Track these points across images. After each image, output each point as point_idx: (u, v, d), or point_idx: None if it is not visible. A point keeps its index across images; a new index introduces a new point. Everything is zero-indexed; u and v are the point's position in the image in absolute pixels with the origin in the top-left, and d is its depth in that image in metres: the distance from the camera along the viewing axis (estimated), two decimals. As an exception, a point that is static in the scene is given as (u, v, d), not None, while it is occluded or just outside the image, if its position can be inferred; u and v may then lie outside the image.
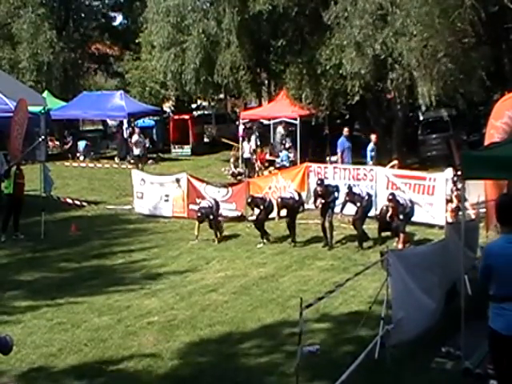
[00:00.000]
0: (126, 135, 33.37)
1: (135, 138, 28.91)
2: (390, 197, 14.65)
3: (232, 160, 26.52)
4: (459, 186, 14.19)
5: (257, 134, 28.38)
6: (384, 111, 26.99)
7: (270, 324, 10.55)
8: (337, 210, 15.87)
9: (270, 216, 16.39)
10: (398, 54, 21.11)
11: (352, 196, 15.77)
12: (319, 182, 15.79)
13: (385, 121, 26.56)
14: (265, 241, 15.94)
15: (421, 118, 31.07)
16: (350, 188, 16.03)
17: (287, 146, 27.92)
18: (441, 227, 15.38)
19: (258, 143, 27.79)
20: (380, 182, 17.95)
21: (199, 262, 14.56)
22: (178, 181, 19.28)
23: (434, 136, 27.89)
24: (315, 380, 8.42)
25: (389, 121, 26.46)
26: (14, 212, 16.84)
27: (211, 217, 16.26)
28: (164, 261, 14.80)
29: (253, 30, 29.70)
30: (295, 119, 28.22)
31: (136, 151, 28.59)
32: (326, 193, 15.45)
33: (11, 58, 43.82)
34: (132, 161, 30.16)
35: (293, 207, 15.89)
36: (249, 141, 27.13)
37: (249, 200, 16.46)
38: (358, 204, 15.68)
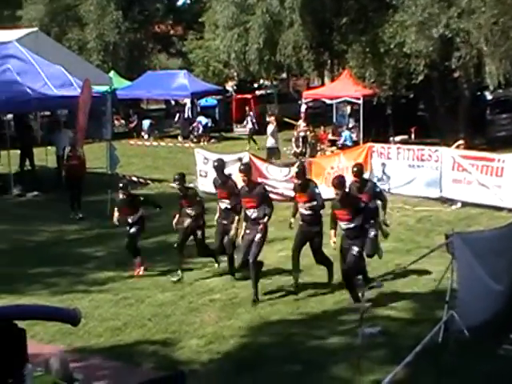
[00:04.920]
0: (189, 114, 33.55)
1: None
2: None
3: (294, 139, 26.30)
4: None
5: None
6: (450, 90, 26.40)
7: (332, 305, 10.41)
8: (399, 191, 15.54)
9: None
10: (465, 32, 20.59)
11: None
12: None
13: (450, 100, 26.00)
14: None
15: (489, 97, 30.32)
16: None
17: (350, 125, 27.60)
18: (510, 210, 14.99)
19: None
20: (445, 163, 17.41)
21: (261, 241, 14.41)
22: (240, 160, 19.18)
23: (503, 116, 27.17)
24: (377, 361, 8.28)
25: (455, 100, 25.88)
26: (72, 192, 17.07)
27: None
28: (224, 240, 14.73)
29: (316, 8, 29.42)
30: (358, 99, 27.77)
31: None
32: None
33: (79, 39, 44.60)
34: (195, 139, 30.38)
35: None
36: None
37: None
38: None
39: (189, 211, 12.28)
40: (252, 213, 10.96)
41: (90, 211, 16.92)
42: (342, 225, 10.27)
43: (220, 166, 12.65)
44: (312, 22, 29.93)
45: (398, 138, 25.22)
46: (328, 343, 9.07)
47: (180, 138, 32.51)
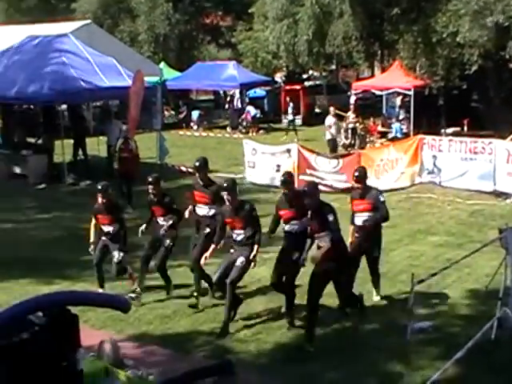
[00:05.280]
0: (238, 105, 33.53)
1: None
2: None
3: (343, 131, 26.12)
4: None
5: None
6: (505, 81, 25.89)
7: (381, 299, 10.29)
8: (451, 184, 15.28)
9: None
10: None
11: None
12: None
13: (506, 91, 25.49)
14: None
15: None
16: None
17: (400, 117, 27.32)
18: None
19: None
20: (500, 155, 17.00)
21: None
22: (288, 151, 19.14)
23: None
24: (427, 357, 8.17)
25: (510, 91, 25.34)
26: (121, 182, 17.12)
27: None
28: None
29: None
30: (409, 90, 27.42)
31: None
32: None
33: (131, 30, 45.07)
34: (244, 129, 30.39)
35: None
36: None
37: None
38: None
39: (161, 221, 10.76)
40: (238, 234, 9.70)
41: (139, 200, 16.99)
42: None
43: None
44: (362, 12, 29.72)
45: (449, 130, 24.83)
46: (375, 336, 9.01)
47: (229, 129, 32.54)
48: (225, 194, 9.50)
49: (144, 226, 10.87)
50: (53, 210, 16.91)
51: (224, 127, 33.26)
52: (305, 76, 46.38)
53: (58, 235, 14.45)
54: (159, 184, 10.88)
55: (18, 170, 21.14)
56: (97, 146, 22.19)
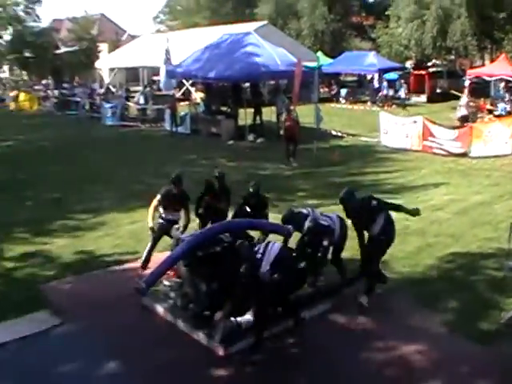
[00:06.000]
0: (376, 85, 32.73)
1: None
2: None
3: (459, 108, 24.69)
4: None
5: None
6: None
7: (483, 240, 9.78)
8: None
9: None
10: None
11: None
12: None
13: None
14: None
15: None
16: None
17: (506, 99, 25.50)
18: None
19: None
20: None
21: (429, 186, 13.74)
22: (415, 122, 18.46)
23: None
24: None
25: None
26: (288, 145, 16.83)
27: None
28: (401, 183, 14.19)
29: (479, 4, 28.00)
30: (512, 77, 25.58)
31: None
32: None
33: (296, 28, 45.53)
34: (380, 104, 29.63)
35: None
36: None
37: None
38: None
39: (171, 216, 8.44)
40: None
41: (300, 156, 17.10)
42: None
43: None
44: (476, 14, 28.69)
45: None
46: (476, 270, 8.59)
47: (369, 103, 31.72)
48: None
49: (151, 215, 8.43)
50: (238, 160, 17.23)
51: (365, 102, 32.41)
52: (429, 64, 44.41)
53: (241, 178, 14.73)
54: (181, 183, 8.46)
55: (214, 130, 21.70)
56: (269, 114, 22.30)
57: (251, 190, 8.57)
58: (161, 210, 8.46)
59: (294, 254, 7.12)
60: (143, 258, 8.44)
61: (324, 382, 5.96)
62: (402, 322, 7.08)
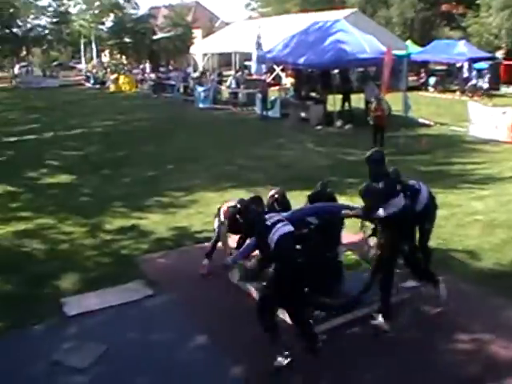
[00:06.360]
0: (466, 74, 31.33)
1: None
2: None
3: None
4: None
5: None
6: None
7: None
8: None
9: None
10: None
11: None
12: None
13: None
14: None
15: None
16: None
17: None
18: None
19: None
20: None
21: (517, 178, 12.98)
22: (504, 113, 17.51)
23: None
24: None
25: None
26: (376, 134, 16.30)
27: None
28: (489, 174, 13.48)
29: None
30: None
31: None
32: None
33: (385, 16, 44.39)
34: (469, 94, 28.37)
35: None
36: None
37: None
38: None
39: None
40: None
41: (386, 143, 16.59)
42: None
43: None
44: None
45: None
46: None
47: (458, 93, 30.38)
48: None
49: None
50: (325, 145, 17.02)
51: (454, 91, 31.02)
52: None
53: (329, 163, 14.60)
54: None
55: (303, 114, 21.54)
56: (358, 101, 21.83)
57: (319, 188, 8.04)
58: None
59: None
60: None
61: (411, 370, 5.78)
62: (487, 315, 6.73)
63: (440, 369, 5.75)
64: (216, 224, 7.96)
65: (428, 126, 20.32)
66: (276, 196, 7.88)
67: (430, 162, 14.62)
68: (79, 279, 7.96)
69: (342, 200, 8.70)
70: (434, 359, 5.90)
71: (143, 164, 14.94)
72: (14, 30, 50.35)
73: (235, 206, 7.45)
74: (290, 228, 5.87)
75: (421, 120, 20.69)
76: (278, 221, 5.88)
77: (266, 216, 6.03)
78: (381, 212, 6.20)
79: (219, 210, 7.97)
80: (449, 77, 33.98)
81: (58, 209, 11.19)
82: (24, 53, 53.56)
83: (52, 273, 8.15)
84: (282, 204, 7.78)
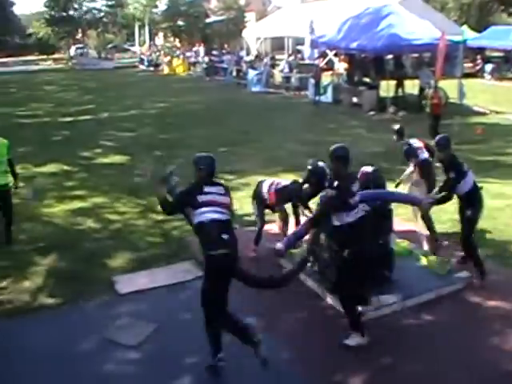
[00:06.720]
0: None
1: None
2: None
3: None
4: None
5: None
6: None
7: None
8: None
9: None
10: None
11: None
12: None
13: None
14: None
15: None
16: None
17: None
18: None
19: None
20: None
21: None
22: None
23: None
24: None
25: None
26: (432, 120, 15.46)
27: None
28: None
29: None
30: None
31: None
32: None
33: (441, 1, 43.04)
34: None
35: None
36: None
37: None
38: None
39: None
40: None
41: (441, 131, 15.94)
42: None
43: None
44: None
45: None
46: None
47: (515, 81, 29.25)
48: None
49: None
50: (378, 131, 16.55)
51: (511, 79, 29.83)
52: None
53: (380, 149, 14.25)
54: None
55: (355, 100, 21.22)
56: (412, 87, 21.21)
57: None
58: None
59: None
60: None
61: (460, 358, 5.60)
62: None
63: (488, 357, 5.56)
64: (254, 206, 8.02)
65: (483, 114, 19.53)
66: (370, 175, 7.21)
67: (485, 152, 14.04)
68: (131, 258, 8.01)
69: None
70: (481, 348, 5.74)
71: (195, 146, 14.86)
72: (71, 12, 51.27)
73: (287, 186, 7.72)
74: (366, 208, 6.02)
75: (476, 108, 19.91)
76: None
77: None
78: (464, 187, 6.87)
79: (258, 192, 7.92)
80: (506, 64, 32.70)
81: (111, 188, 11.31)
82: (80, 35, 54.57)
83: (105, 251, 8.24)
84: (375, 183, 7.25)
